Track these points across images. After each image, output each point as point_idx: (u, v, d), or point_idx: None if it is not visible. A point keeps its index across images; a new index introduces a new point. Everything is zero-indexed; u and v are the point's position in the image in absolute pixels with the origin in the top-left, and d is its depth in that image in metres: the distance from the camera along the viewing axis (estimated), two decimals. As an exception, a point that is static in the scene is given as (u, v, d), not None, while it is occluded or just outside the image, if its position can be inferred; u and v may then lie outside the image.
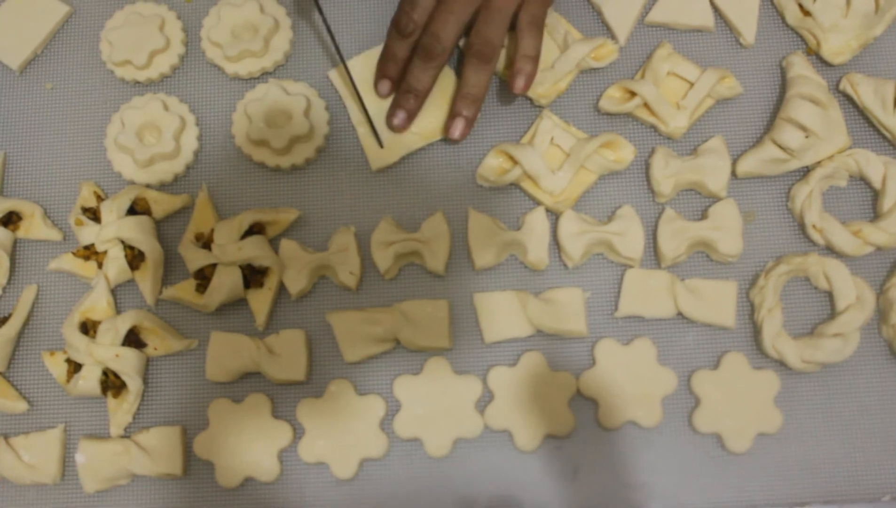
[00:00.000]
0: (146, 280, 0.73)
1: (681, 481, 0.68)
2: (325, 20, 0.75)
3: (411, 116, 0.75)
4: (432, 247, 0.72)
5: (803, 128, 0.72)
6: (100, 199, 0.76)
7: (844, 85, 0.75)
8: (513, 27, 0.73)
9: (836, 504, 0.68)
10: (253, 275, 0.72)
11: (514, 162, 0.73)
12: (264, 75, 0.79)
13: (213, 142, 0.78)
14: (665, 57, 0.75)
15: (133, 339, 0.71)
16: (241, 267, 0.72)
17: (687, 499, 0.68)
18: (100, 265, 0.73)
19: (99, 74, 0.80)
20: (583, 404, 0.70)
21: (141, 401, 0.72)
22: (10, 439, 0.70)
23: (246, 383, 0.72)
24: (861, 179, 0.74)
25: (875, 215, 0.73)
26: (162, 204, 0.75)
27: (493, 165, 0.74)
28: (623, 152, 0.73)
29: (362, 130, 0.76)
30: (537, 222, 0.72)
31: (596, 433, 0.70)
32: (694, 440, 0.69)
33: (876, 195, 0.73)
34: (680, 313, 0.71)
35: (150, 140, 0.76)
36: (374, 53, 0.77)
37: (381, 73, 0.76)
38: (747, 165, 0.73)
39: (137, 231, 0.72)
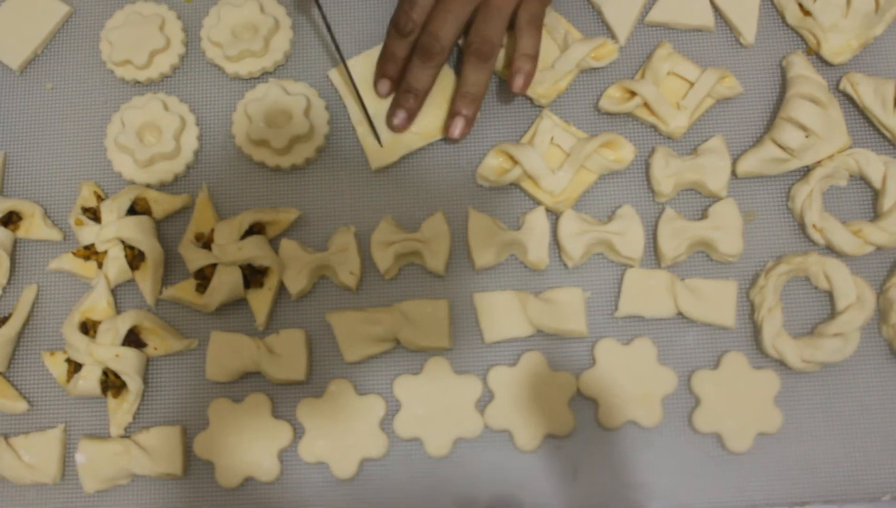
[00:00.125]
0: (146, 280, 0.73)
1: (681, 481, 0.68)
2: (325, 20, 0.75)
3: (411, 116, 0.75)
4: (432, 247, 0.72)
5: (803, 128, 0.72)
6: (100, 199, 0.76)
7: (844, 85, 0.75)
8: (511, 26, 0.73)
9: (836, 504, 0.68)
10: (253, 275, 0.72)
11: (514, 162, 0.73)
12: (264, 75, 0.79)
13: (214, 142, 0.78)
14: (665, 57, 0.75)
15: (133, 339, 0.71)
16: (241, 267, 0.72)
17: (687, 499, 0.68)
18: (100, 265, 0.73)
19: (99, 73, 0.80)
20: (583, 404, 0.70)
21: (141, 401, 0.72)
22: (10, 439, 0.70)
23: (246, 383, 0.72)
24: (861, 179, 0.74)
25: (875, 214, 0.73)
26: (162, 204, 0.75)
27: (493, 164, 0.74)
28: (623, 152, 0.73)
29: (362, 130, 0.76)
30: (537, 221, 0.72)
31: (596, 433, 0.70)
32: (694, 440, 0.69)
33: (876, 195, 0.73)
34: (680, 313, 0.71)
35: (150, 140, 0.76)
36: (374, 53, 0.77)
37: (380, 72, 0.75)
38: (747, 164, 0.73)
39: (137, 231, 0.72)
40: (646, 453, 0.69)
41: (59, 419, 0.72)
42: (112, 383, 0.70)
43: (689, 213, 0.74)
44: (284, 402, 0.71)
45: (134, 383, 0.70)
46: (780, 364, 0.70)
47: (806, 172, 0.74)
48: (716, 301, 0.70)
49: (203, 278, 0.72)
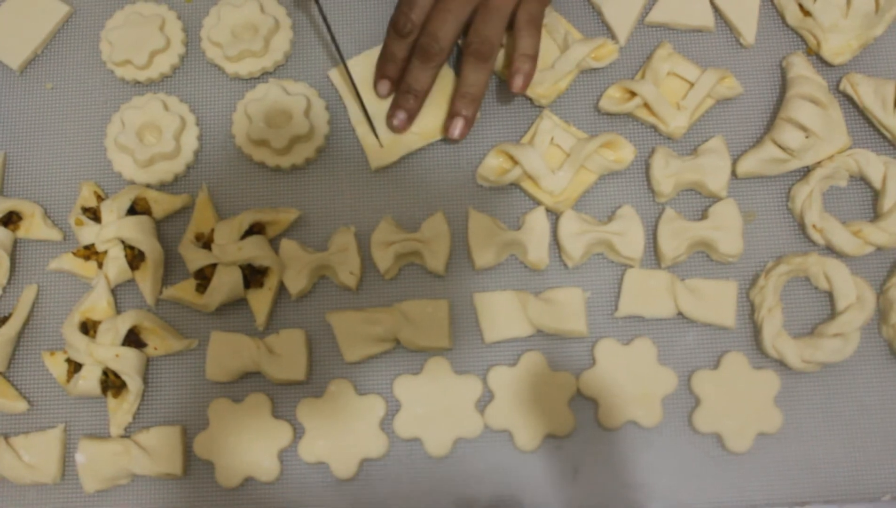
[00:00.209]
0: (146, 280, 0.73)
1: (681, 481, 0.68)
2: (325, 20, 0.76)
3: (411, 117, 0.75)
4: (432, 247, 0.72)
5: (803, 128, 0.72)
6: (100, 199, 0.76)
7: (844, 85, 0.75)
8: (511, 26, 0.73)
9: (836, 504, 0.68)
10: (253, 275, 0.72)
11: (515, 162, 0.73)
12: (264, 75, 0.79)
13: (214, 142, 0.78)
14: (665, 57, 0.75)
15: (133, 339, 0.71)
16: (241, 267, 0.72)
17: (687, 499, 0.68)
18: (100, 265, 0.73)
19: (99, 73, 0.80)
20: (583, 404, 0.70)
21: (141, 401, 0.72)
22: (10, 439, 0.70)
23: (246, 383, 0.72)
24: (861, 179, 0.74)
25: (875, 214, 0.73)
26: (162, 204, 0.75)
27: (493, 165, 0.74)
28: (623, 152, 0.73)
29: (361, 130, 0.76)
30: (537, 221, 0.72)
31: (596, 433, 0.70)
32: (694, 441, 0.69)
33: (876, 195, 0.73)
34: (680, 313, 0.71)
35: (150, 140, 0.76)
36: (374, 53, 0.77)
37: (380, 73, 0.75)
38: (747, 165, 0.73)
39: (137, 231, 0.72)
40: (646, 453, 0.69)
41: (59, 419, 0.72)
42: (112, 383, 0.70)
43: (689, 213, 0.74)
44: (284, 402, 0.71)
45: (134, 383, 0.70)
46: (780, 364, 0.70)
47: (806, 172, 0.74)
48: (716, 301, 0.70)
49: (203, 278, 0.72)
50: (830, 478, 0.68)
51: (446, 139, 0.75)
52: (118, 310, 0.74)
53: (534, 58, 0.72)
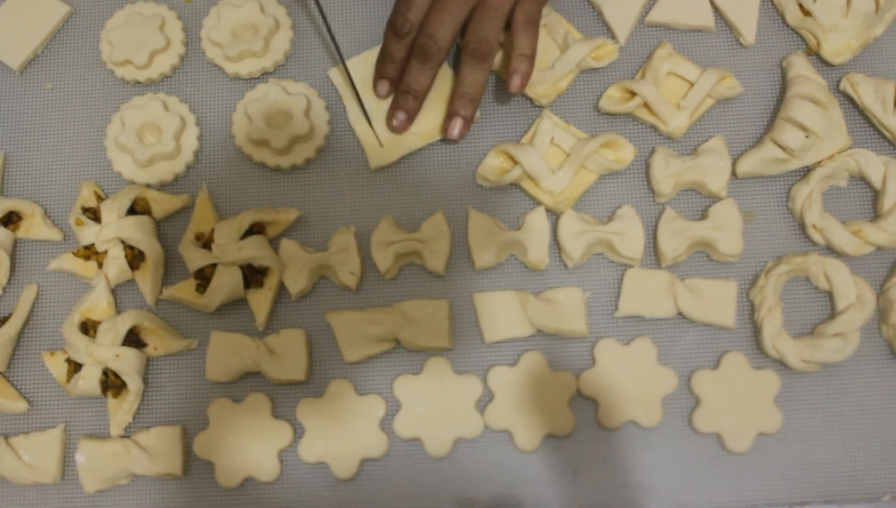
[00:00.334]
0: (146, 280, 0.73)
1: (681, 481, 0.68)
2: (325, 21, 0.76)
3: (411, 117, 0.75)
4: (432, 247, 0.72)
5: (803, 128, 0.72)
6: (100, 199, 0.76)
7: (844, 85, 0.75)
8: (508, 26, 0.73)
9: (836, 504, 0.68)
10: (253, 275, 0.72)
11: (515, 162, 0.73)
12: (264, 75, 0.79)
13: (214, 142, 0.78)
14: (665, 57, 0.75)
15: (133, 339, 0.71)
16: (241, 267, 0.72)
17: (687, 499, 0.68)
18: (100, 265, 0.73)
19: (99, 73, 0.80)
20: (583, 404, 0.70)
21: (141, 401, 0.72)
22: (10, 439, 0.70)
23: (246, 383, 0.72)
24: (861, 179, 0.74)
25: (875, 214, 0.73)
26: (162, 204, 0.75)
27: (493, 165, 0.74)
28: (623, 152, 0.73)
29: (360, 129, 0.76)
30: (537, 221, 0.72)
31: (596, 433, 0.70)
32: (694, 441, 0.69)
33: (876, 195, 0.73)
34: (680, 313, 0.71)
35: (150, 140, 0.76)
36: (374, 53, 0.77)
37: (379, 73, 0.75)
38: (747, 164, 0.73)
39: (137, 231, 0.72)
40: (646, 453, 0.69)
41: (59, 419, 0.72)
42: (112, 383, 0.70)
43: (689, 213, 0.74)
44: (284, 402, 0.71)
45: (134, 383, 0.70)
46: (780, 364, 0.70)
47: (806, 172, 0.74)
48: (716, 301, 0.70)
49: (203, 278, 0.72)
50: (830, 478, 0.68)
51: (446, 139, 0.75)
52: (118, 310, 0.74)
53: (531, 57, 0.72)
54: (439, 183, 0.76)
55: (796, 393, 0.70)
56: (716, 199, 0.73)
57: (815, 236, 0.72)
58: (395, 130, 0.75)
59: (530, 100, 0.77)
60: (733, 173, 0.74)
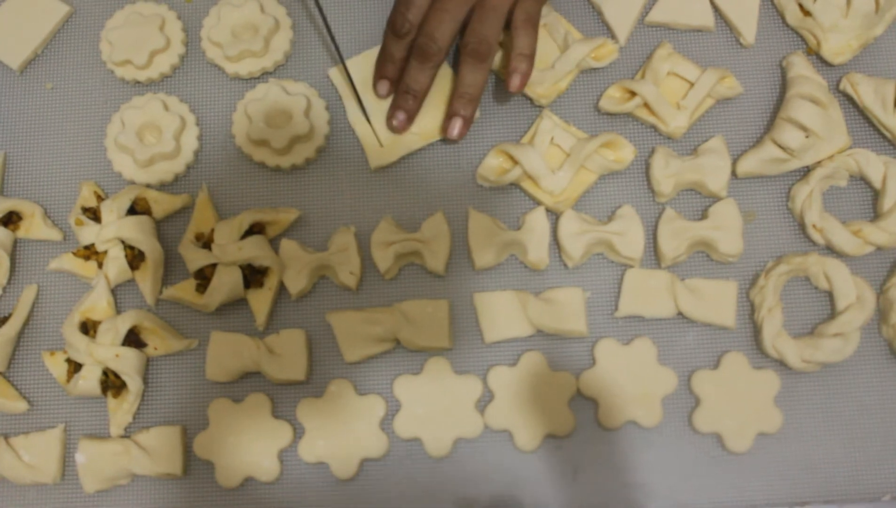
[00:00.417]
0: (146, 280, 0.73)
1: (681, 481, 0.68)
2: (325, 21, 0.76)
3: (411, 117, 0.75)
4: (432, 247, 0.72)
5: (803, 128, 0.72)
6: (100, 199, 0.76)
7: (844, 85, 0.75)
8: (508, 25, 0.73)
9: (836, 504, 0.68)
10: (253, 275, 0.72)
11: (515, 162, 0.73)
12: (264, 75, 0.79)
13: (214, 142, 0.78)
14: (665, 57, 0.75)
15: (133, 339, 0.71)
16: (241, 267, 0.72)
17: (687, 499, 0.68)
18: (100, 265, 0.73)
19: (99, 73, 0.80)
20: (583, 404, 0.70)
21: (141, 401, 0.72)
22: (10, 439, 0.70)
23: (246, 383, 0.72)
24: (861, 179, 0.74)
25: (875, 214, 0.73)
26: (162, 204, 0.75)
27: (493, 164, 0.74)
28: (623, 152, 0.73)
29: (360, 129, 0.76)
30: (537, 221, 0.72)
31: (596, 433, 0.70)
32: (694, 441, 0.69)
33: (876, 195, 0.73)
34: (680, 313, 0.71)
35: (150, 140, 0.76)
36: (374, 53, 0.77)
37: (379, 73, 0.75)
38: (747, 164, 0.73)
39: (137, 231, 0.72)
40: (646, 453, 0.69)
41: (59, 419, 0.72)
42: (112, 383, 0.70)
43: (689, 213, 0.74)
44: (284, 402, 0.71)
45: (134, 383, 0.70)
46: (780, 364, 0.70)
47: (806, 172, 0.74)
48: (716, 301, 0.70)
49: (203, 278, 0.72)
50: (830, 478, 0.68)
51: (446, 139, 0.75)
52: (118, 310, 0.74)
53: (531, 57, 0.72)
54: (439, 183, 0.76)
55: (796, 393, 0.70)
56: (716, 199, 0.73)
57: (815, 236, 0.72)
58: (395, 130, 0.75)
59: (530, 100, 0.77)
60: (733, 173, 0.74)
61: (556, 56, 0.76)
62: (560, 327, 0.70)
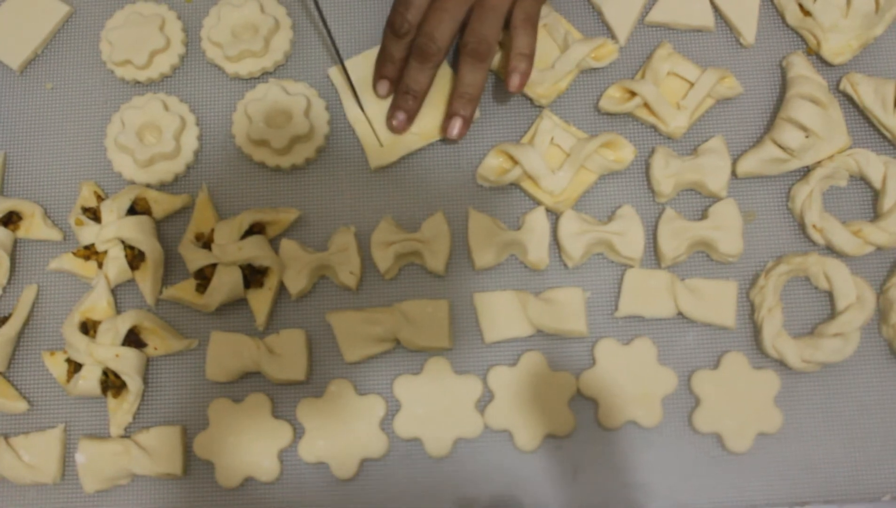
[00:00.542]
0: (146, 280, 0.73)
1: (681, 481, 0.68)
2: (325, 22, 0.76)
3: (411, 117, 0.75)
4: (432, 247, 0.72)
5: (803, 128, 0.72)
6: (100, 199, 0.76)
7: (844, 85, 0.75)
8: (507, 25, 0.73)
9: (836, 504, 0.68)
10: (253, 275, 0.72)
11: (515, 162, 0.73)
12: (264, 75, 0.79)
13: (214, 142, 0.78)
14: (665, 57, 0.75)
15: (133, 339, 0.71)
16: (241, 267, 0.72)
17: (687, 499, 0.68)
18: (100, 265, 0.73)
19: (99, 73, 0.80)
20: (583, 404, 0.70)
21: (141, 401, 0.72)
22: (10, 439, 0.70)
23: (246, 383, 0.72)
24: (861, 179, 0.74)
25: (875, 214, 0.73)
26: (162, 204, 0.75)
27: (493, 164, 0.74)
28: (623, 152, 0.73)
29: (360, 129, 0.76)
30: (537, 221, 0.72)
31: (596, 433, 0.70)
32: (694, 441, 0.69)
33: (876, 195, 0.73)
34: (680, 313, 0.71)
35: (150, 140, 0.76)
36: (374, 53, 0.77)
37: (378, 73, 0.75)
38: (747, 164, 0.73)
39: (137, 231, 0.72)
40: (646, 453, 0.69)
41: (59, 419, 0.72)
42: (112, 383, 0.70)
43: (689, 213, 0.74)
44: (284, 402, 0.71)
45: (134, 383, 0.70)
46: (780, 364, 0.70)
47: (806, 172, 0.74)
48: (716, 301, 0.70)
49: (203, 278, 0.72)
50: (830, 478, 0.68)
51: (445, 139, 0.75)
52: (118, 310, 0.74)
53: (530, 56, 0.72)
54: (439, 183, 0.76)
55: (796, 393, 0.70)
56: (716, 199, 0.73)
57: (815, 236, 0.72)
58: (394, 130, 0.75)
59: (530, 100, 0.77)
60: (733, 173, 0.74)
61: (556, 56, 0.76)
62: (560, 327, 0.70)
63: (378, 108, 0.76)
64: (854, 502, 0.68)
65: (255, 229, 0.73)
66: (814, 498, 0.68)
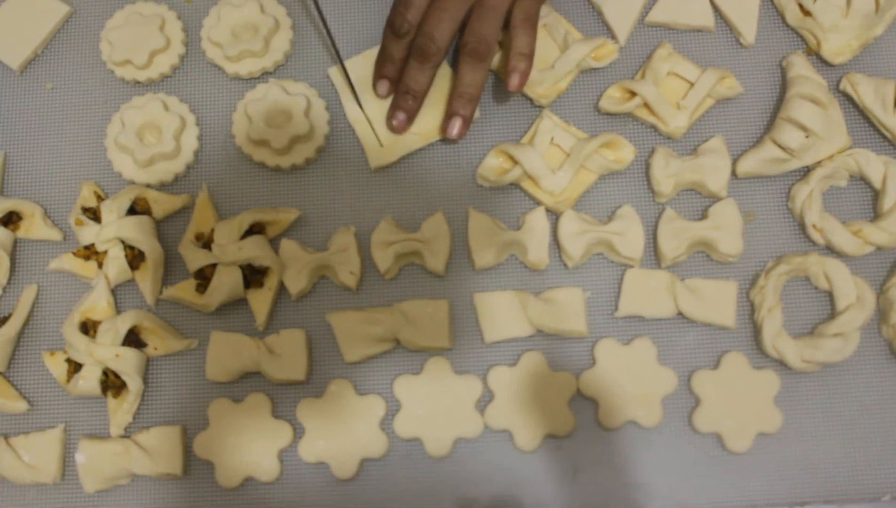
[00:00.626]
0: (146, 280, 0.73)
1: (681, 481, 0.68)
2: (325, 23, 0.76)
3: (411, 117, 0.75)
4: (432, 247, 0.72)
5: (803, 128, 0.72)
6: (100, 199, 0.76)
7: (844, 85, 0.75)
8: (507, 25, 0.73)
9: (836, 504, 0.68)
10: (253, 275, 0.72)
11: (515, 162, 0.73)
12: (264, 75, 0.79)
13: (214, 142, 0.78)
14: (665, 57, 0.75)
15: (133, 339, 0.71)
16: (241, 267, 0.72)
17: (687, 499, 0.68)
18: (100, 265, 0.73)
19: (99, 73, 0.80)
20: (583, 404, 0.70)
21: (141, 401, 0.72)
22: (10, 439, 0.70)
23: (246, 383, 0.72)
24: (861, 179, 0.74)
25: (875, 214, 0.73)
26: (162, 204, 0.75)
27: (493, 164, 0.74)
28: (623, 152, 0.73)
29: (360, 129, 0.76)
30: (537, 221, 0.72)
31: (596, 433, 0.70)
32: (694, 441, 0.69)
33: (876, 195, 0.73)
34: (680, 313, 0.71)
35: (150, 140, 0.76)
36: (374, 53, 0.77)
37: (378, 73, 0.75)
38: (747, 164, 0.73)
39: (137, 231, 0.72)
40: (646, 453, 0.69)
41: (59, 419, 0.72)
42: (112, 383, 0.70)
43: (689, 213, 0.74)
44: (284, 402, 0.71)
45: (134, 383, 0.70)
46: (780, 364, 0.70)
47: (806, 172, 0.74)
48: (716, 301, 0.70)
49: (203, 278, 0.72)
50: (830, 478, 0.68)
51: (445, 139, 0.75)
52: (118, 310, 0.74)
53: (530, 56, 0.72)
54: (439, 183, 0.76)
55: (796, 393, 0.70)
56: (716, 199, 0.73)
57: (815, 236, 0.72)
58: (394, 130, 0.75)
59: (530, 100, 0.77)
60: (733, 173, 0.74)
61: (556, 56, 0.76)
62: (560, 327, 0.70)
63: (378, 108, 0.76)
64: (854, 502, 0.68)
65: (255, 229, 0.73)
66: (814, 498, 0.68)
